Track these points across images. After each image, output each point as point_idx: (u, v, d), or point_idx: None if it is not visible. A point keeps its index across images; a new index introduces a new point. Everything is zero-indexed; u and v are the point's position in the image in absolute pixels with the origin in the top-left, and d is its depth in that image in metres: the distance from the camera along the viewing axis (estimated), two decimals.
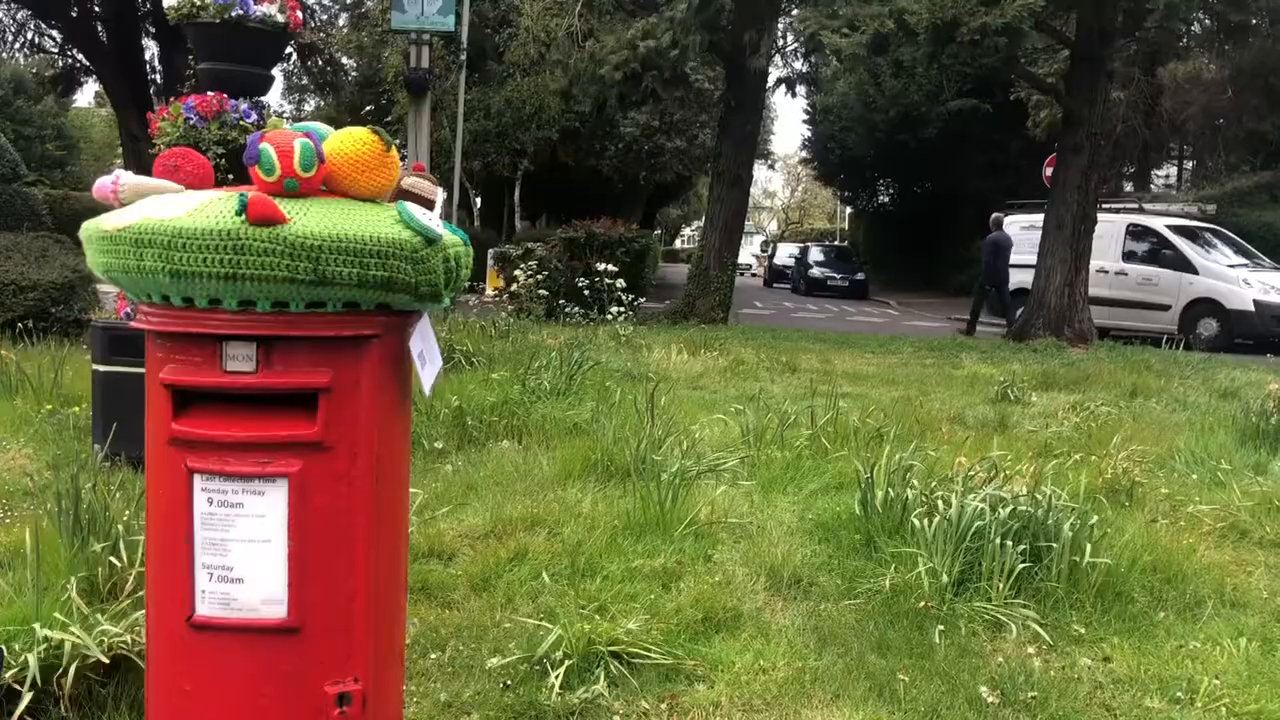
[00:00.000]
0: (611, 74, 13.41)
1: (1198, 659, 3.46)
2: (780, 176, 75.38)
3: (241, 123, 5.74)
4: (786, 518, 4.89)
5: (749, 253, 48.79)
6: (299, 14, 6.13)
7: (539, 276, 13.42)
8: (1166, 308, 17.22)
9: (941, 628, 3.59)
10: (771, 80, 19.63)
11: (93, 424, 5.73)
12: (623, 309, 10.85)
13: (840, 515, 4.72)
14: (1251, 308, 16.27)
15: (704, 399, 8.09)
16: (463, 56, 17.44)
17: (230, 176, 5.68)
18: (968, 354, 12.72)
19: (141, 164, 17.18)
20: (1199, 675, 3.29)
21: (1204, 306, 16.80)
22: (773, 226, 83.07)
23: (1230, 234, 18.62)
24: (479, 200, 33.59)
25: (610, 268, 11.53)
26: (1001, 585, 3.81)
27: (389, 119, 25.83)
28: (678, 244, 75.58)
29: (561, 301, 12.76)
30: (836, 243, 42.81)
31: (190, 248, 1.68)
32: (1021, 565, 3.84)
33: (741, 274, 28.61)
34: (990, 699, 3.17)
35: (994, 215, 18.28)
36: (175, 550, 1.83)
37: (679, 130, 26.19)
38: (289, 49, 22.27)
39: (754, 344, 12.22)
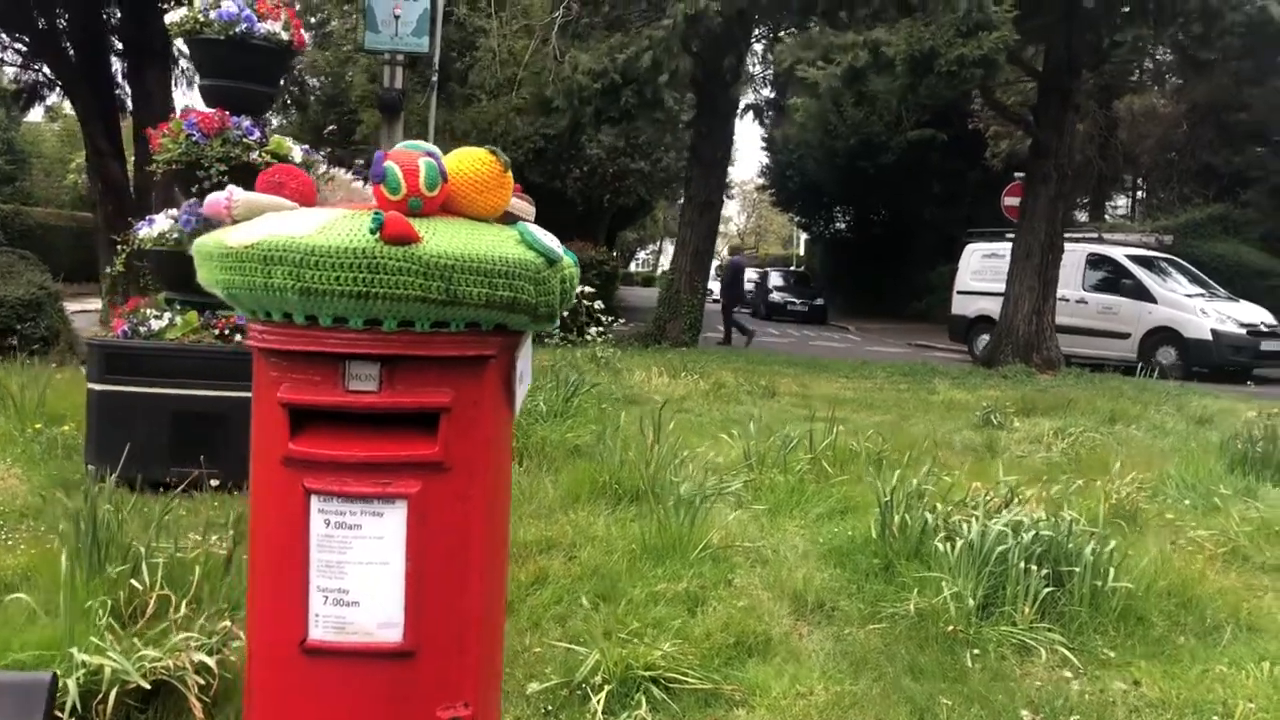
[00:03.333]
0: (590, 83, 13.40)
1: (1225, 683, 3.51)
2: (736, 202, 75.97)
3: (245, 140, 5.69)
4: (798, 542, 4.91)
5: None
6: (303, 32, 6.10)
7: None
8: (1126, 336, 17.54)
9: (976, 651, 3.61)
10: (739, 106, 19.77)
11: (86, 443, 5.62)
12: (602, 330, 10.86)
13: (855, 539, 4.74)
14: (1209, 337, 16.63)
15: (692, 422, 8.10)
16: (434, 77, 17.42)
17: None
18: (940, 379, 12.86)
19: (107, 180, 16.91)
20: (1232, 699, 3.34)
21: (1162, 335, 17.14)
22: (727, 252, 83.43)
23: (1186, 264, 19.04)
24: None
25: (588, 289, 11.55)
26: (1027, 609, 3.85)
27: (354, 138, 25.74)
28: (632, 267, 75.72)
29: None
30: (795, 268, 43.16)
31: (323, 265, 1.66)
32: (1045, 590, 3.88)
33: None
34: None
35: (731, 244, 20.02)
36: (287, 573, 1.79)
37: (644, 153, 26.28)
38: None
39: (730, 367, 12.26)
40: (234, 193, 1.84)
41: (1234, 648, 3.83)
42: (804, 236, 51.59)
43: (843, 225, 41.85)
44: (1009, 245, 17.09)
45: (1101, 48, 14.08)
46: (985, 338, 18.52)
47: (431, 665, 1.81)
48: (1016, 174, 20.63)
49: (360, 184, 2.17)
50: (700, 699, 3.31)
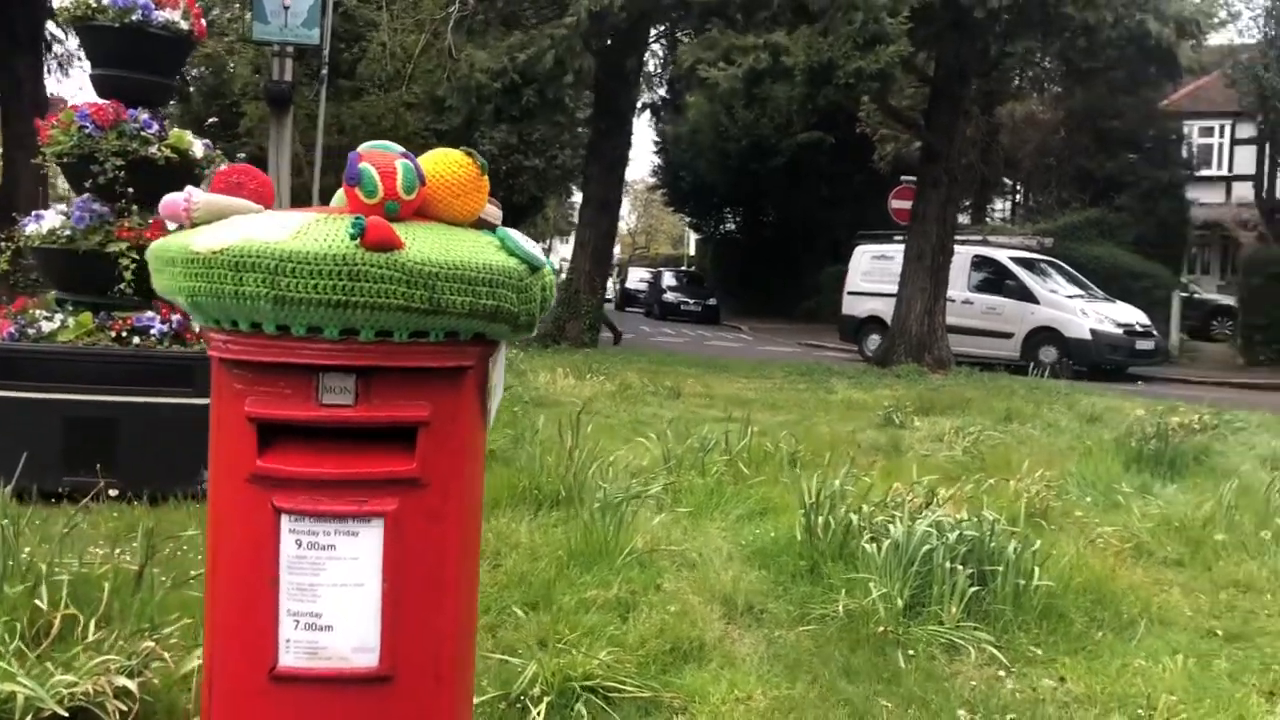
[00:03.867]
0: (489, 82, 13.23)
1: (1144, 676, 3.61)
2: (628, 201, 76.24)
3: (143, 134, 5.43)
4: (721, 544, 4.91)
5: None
6: (203, 21, 5.85)
7: None
8: (1010, 335, 18.12)
9: (910, 652, 3.66)
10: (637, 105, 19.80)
11: None
12: None
13: (778, 541, 4.76)
14: (1089, 336, 17.29)
15: (603, 424, 8.05)
16: (324, 70, 17.00)
17: (130, 190, 5.37)
18: (837, 379, 13.08)
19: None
20: (1154, 692, 3.44)
21: (1044, 335, 17.75)
22: (617, 250, 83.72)
23: (1066, 266, 19.76)
24: None
25: None
26: (954, 609, 3.91)
27: (237, 130, 24.94)
28: None
29: None
30: (687, 269, 43.47)
31: (300, 273, 1.57)
32: (971, 589, 3.95)
33: None
34: None
35: None
36: (254, 597, 1.69)
37: (538, 150, 26.13)
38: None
39: (634, 368, 12.26)
40: (193, 194, 1.73)
41: (1148, 641, 3.95)
42: (695, 237, 52.01)
43: (733, 226, 42.32)
44: (898, 247, 17.49)
45: (989, 56, 14.51)
46: (875, 338, 18.91)
47: (408, 689, 1.73)
48: (904, 177, 21.14)
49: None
50: (640, 707, 3.27)
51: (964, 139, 16.32)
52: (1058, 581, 4.23)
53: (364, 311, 1.60)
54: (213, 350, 1.72)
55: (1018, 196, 31.44)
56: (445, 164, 1.76)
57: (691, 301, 33.10)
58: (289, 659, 1.69)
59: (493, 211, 1.97)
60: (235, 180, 1.84)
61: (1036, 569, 4.07)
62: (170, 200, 1.74)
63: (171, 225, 1.82)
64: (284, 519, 1.67)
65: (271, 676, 1.69)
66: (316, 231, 1.61)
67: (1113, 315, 17.86)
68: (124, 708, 2.79)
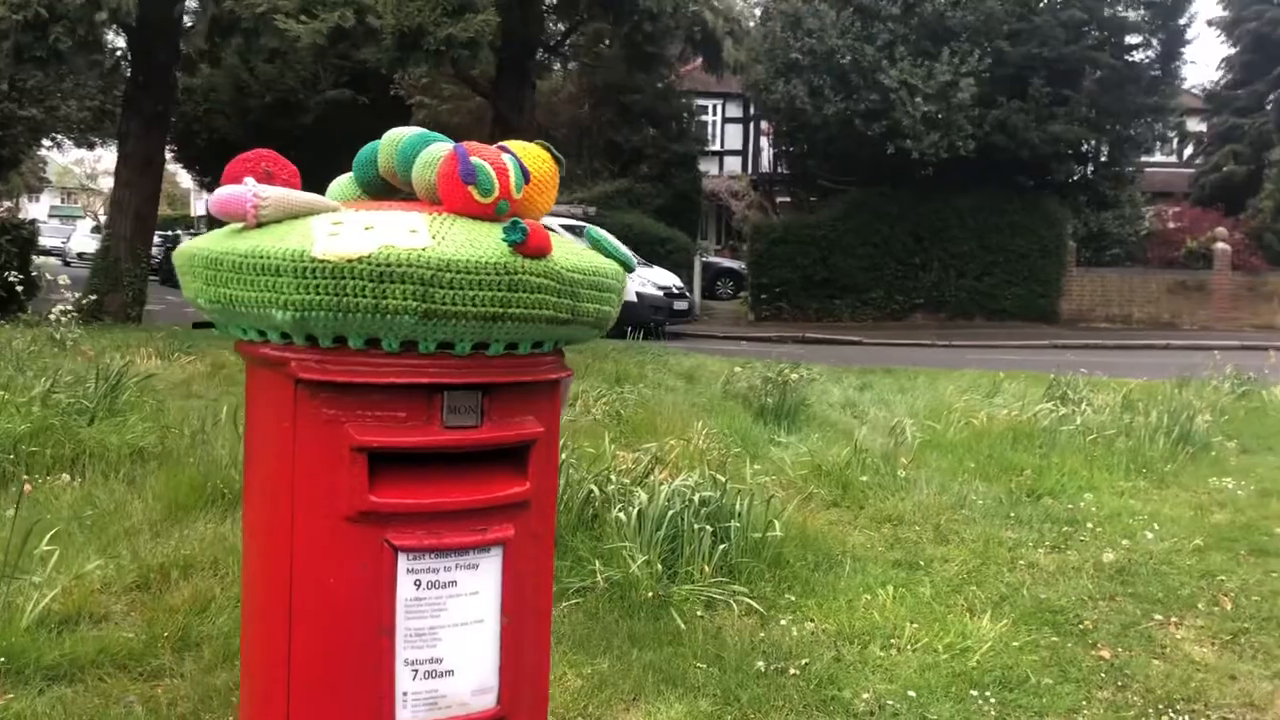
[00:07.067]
0: (8, 15, 11.37)
1: (879, 610, 4.11)
2: (113, 157, 69.11)
3: None
4: None
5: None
6: None
7: None
8: None
9: (700, 614, 3.87)
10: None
11: None
12: (71, 309, 9.39)
13: None
14: (635, 299, 18.62)
15: (215, 407, 7.42)
16: None
17: None
18: None
19: None
20: (897, 621, 3.94)
21: None
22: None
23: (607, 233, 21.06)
24: None
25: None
26: (706, 567, 4.18)
27: None
28: None
29: None
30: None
31: (457, 284, 1.39)
32: (721, 547, 4.25)
33: None
34: (769, 670, 3.51)
35: None
36: (362, 651, 1.48)
37: (34, 98, 23.01)
38: None
39: (214, 346, 11.30)
40: (259, 189, 1.45)
41: (859, 578, 4.47)
42: (206, 198, 48.52)
43: None
44: None
45: (546, 32, 15.01)
46: None
47: None
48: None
49: None
50: None
51: (534, 108, 16.76)
52: (767, 529, 4.64)
53: (513, 324, 1.46)
54: (294, 371, 1.46)
55: None
56: (532, 159, 1.63)
57: None
58: (406, 714, 1.51)
59: None
60: (265, 169, 1.57)
61: (776, 521, 4.45)
62: (233, 196, 1.44)
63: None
64: (401, 558, 1.48)
65: None
66: (455, 237, 1.44)
67: (654, 279, 19.37)
68: None
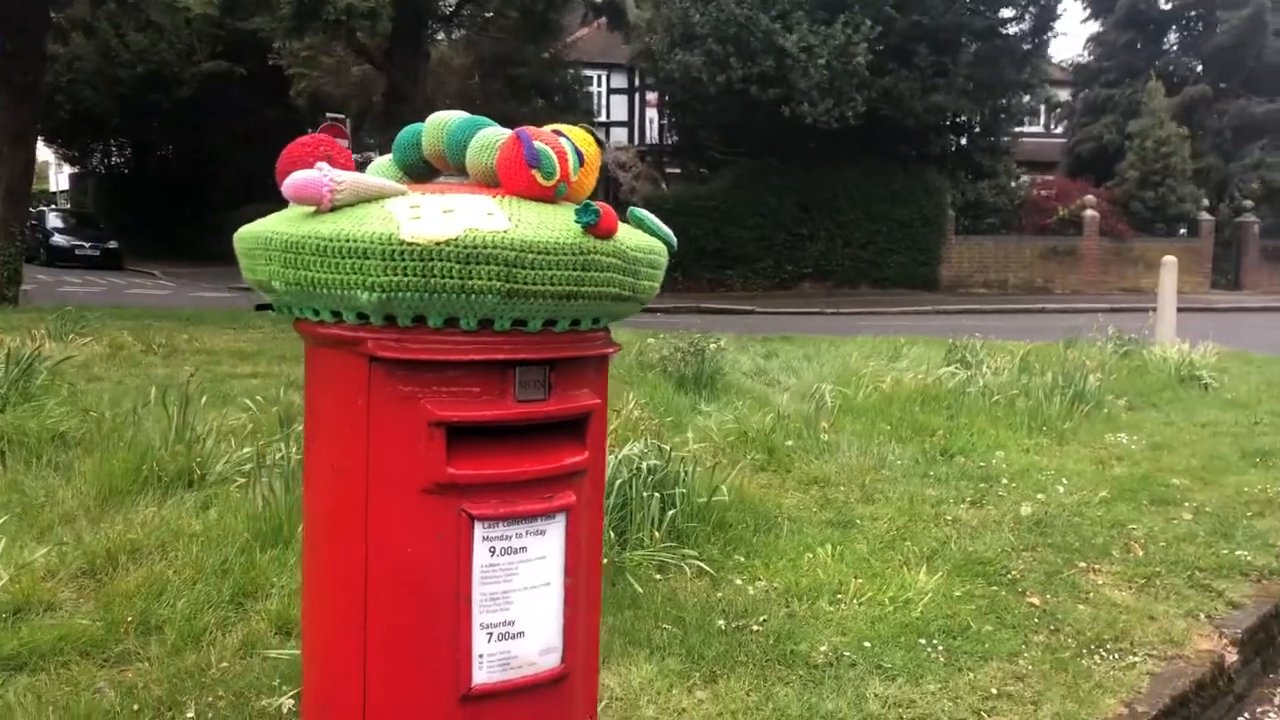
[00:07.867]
0: None
1: (816, 568, 4.29)
2: None
3: None
4: None
5: None
6: None
7: None
8: None
9: (656, 577, 3.98)
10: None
11: None
12: None
13: None
14: None
15: (123, 389, 7.23)
16: None
17: None
18: None
19: None
20: (843, 578, 4.12)
21: None
22: None
23: None
24: None
25: None
26: (656, 533, 4.30)
27: None
28: None
29: None
30: (73, 209, 38.73)
31: (537, 264, 1.46)
32: (670, 511, 4.37)
33: None
34: (729, 628, 3.66)
35: None
36: (437, 617, 1.55)
37: None
38: None
39: (109, 326, 10.93)
40: (334, 173, 1.49)
41: (797, 538, 4.65)
42: (68, 171, 46.42)
43: (120, 160, 38.58)
44: None
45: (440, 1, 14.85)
46: None
47: (577, 685, 1.70)
48: (329, 115, 20.79)
49: None
50: None
51: (426, 78, 16.55)
52: (712, 494, 4.79)
53: (583, 302, 1.53)
54: (369, 349, 1.51)
55: None
56: (580, 142, 1.70)
57: (88, 245, 29.64)
58: (482, 675, 1.58)
59: None
60: (325, 152, 1.60)
61: (723, 486, 4.58)
62: (309, 180, 1.47)
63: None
64: (477, 526, 1.55)
65: (463, 700, 1.57)
66: (529, 219, 1.50)
67: None
68: None
